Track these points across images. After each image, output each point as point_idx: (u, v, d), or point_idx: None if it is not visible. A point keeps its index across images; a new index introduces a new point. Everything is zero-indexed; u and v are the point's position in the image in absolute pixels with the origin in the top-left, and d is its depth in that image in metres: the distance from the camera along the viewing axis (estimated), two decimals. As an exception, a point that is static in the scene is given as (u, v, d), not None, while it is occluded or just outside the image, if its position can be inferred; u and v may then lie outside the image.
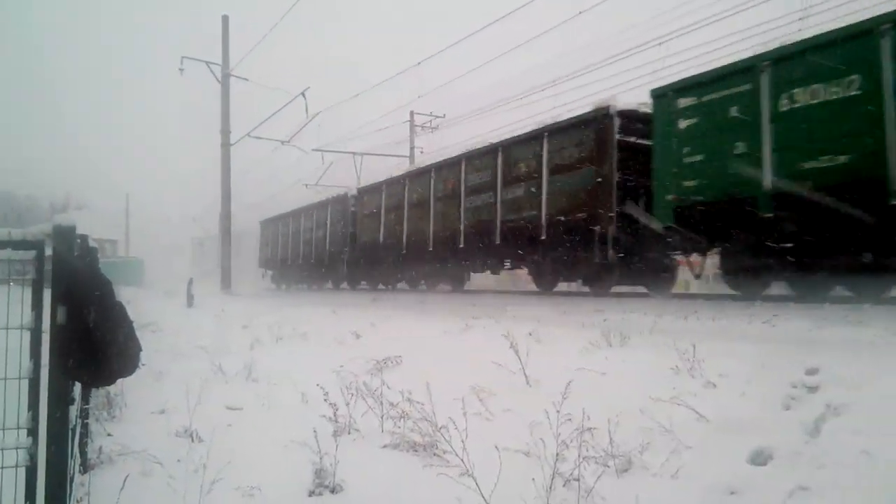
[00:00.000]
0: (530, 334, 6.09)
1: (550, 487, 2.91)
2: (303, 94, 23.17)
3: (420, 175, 17.38)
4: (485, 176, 14.22)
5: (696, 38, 15.81)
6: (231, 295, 23.23)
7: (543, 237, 12.23)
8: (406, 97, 29.65)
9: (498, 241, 13.65)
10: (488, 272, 16.15)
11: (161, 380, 5.81)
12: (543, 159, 12.29)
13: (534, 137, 12.72)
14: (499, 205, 13.62)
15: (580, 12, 15.97)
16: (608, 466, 3.13)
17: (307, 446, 3.46)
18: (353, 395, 4.22)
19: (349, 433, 4.05)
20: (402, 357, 5.92)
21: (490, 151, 14.16)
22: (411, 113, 31.82)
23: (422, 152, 31.15)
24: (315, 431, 3.45)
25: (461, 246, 15.10)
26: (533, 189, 12.57)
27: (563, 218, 11.75)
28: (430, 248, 16.36)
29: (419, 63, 22.70)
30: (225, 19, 25.39)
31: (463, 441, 3.19)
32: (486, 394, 4.47)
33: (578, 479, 2.92)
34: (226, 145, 25.33)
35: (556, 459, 2.99)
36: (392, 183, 19.03)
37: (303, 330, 9.07)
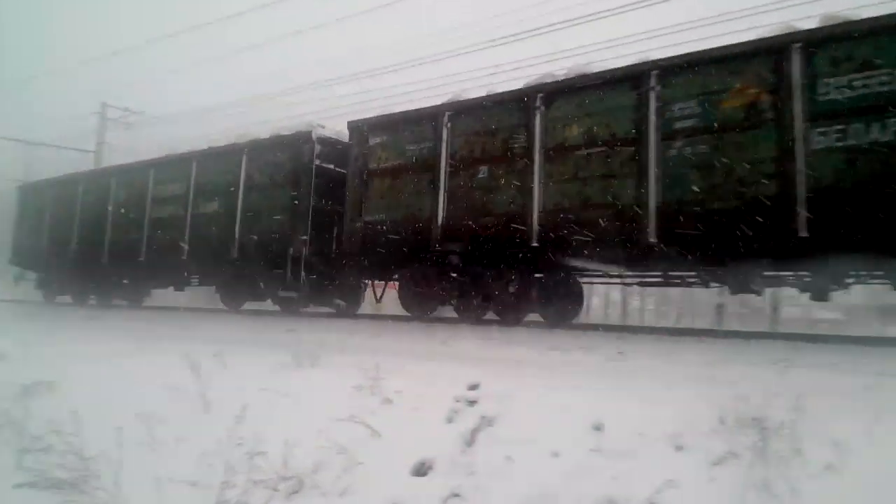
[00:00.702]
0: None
1: (212, 517, 2.74)
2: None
3: (607, 87, 7.83)
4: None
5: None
6: None
7: None
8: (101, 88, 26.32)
9: None
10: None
11: None
12: None
13: None
14: None
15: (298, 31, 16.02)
16: (277, 490, 3.07)
17: None
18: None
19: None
20: (56, 382, 5.05)
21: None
22: (103, 104, 27.98)
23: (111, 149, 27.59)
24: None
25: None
26: None
27: None
28: (653, 239, 7.19)
29: (114, 53, 20.39)
30: None
31: (116, 474, 2.84)
32: (156, 421, 4.05)
33: (244, 506, 2.80)
34: None
35: (223, 487, 2.83)
36: (485, 108, 8.92)
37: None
